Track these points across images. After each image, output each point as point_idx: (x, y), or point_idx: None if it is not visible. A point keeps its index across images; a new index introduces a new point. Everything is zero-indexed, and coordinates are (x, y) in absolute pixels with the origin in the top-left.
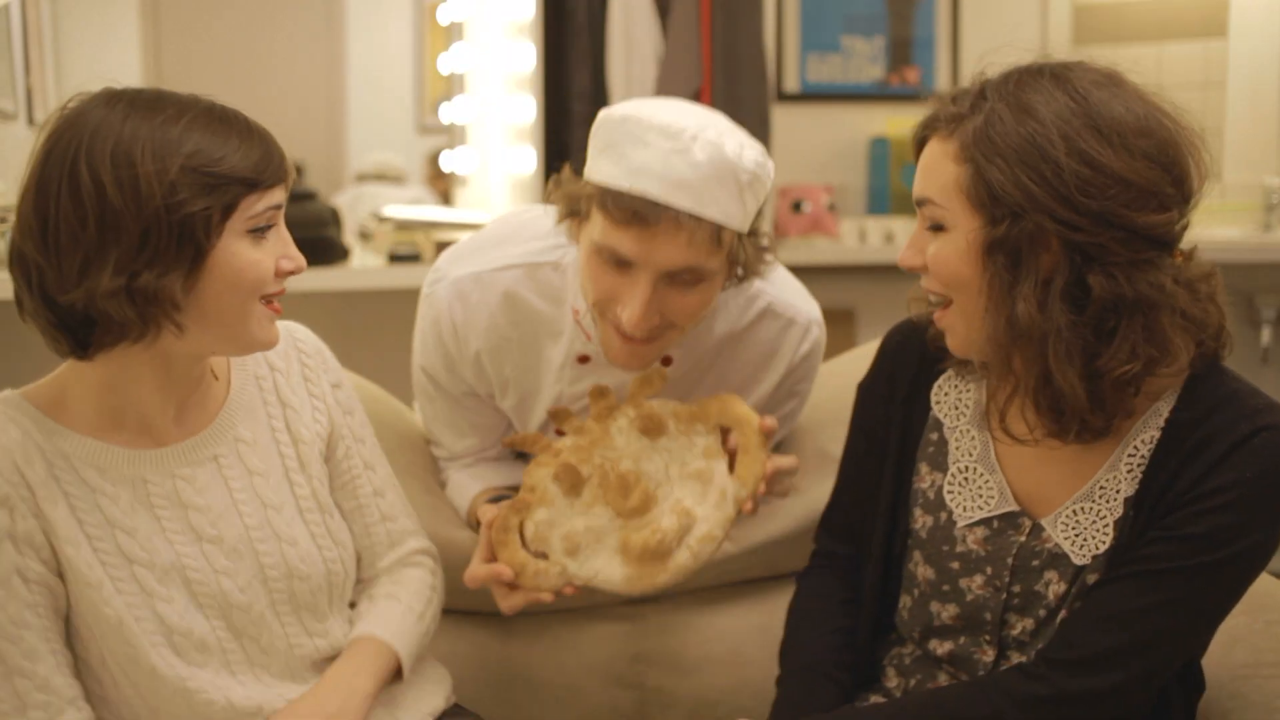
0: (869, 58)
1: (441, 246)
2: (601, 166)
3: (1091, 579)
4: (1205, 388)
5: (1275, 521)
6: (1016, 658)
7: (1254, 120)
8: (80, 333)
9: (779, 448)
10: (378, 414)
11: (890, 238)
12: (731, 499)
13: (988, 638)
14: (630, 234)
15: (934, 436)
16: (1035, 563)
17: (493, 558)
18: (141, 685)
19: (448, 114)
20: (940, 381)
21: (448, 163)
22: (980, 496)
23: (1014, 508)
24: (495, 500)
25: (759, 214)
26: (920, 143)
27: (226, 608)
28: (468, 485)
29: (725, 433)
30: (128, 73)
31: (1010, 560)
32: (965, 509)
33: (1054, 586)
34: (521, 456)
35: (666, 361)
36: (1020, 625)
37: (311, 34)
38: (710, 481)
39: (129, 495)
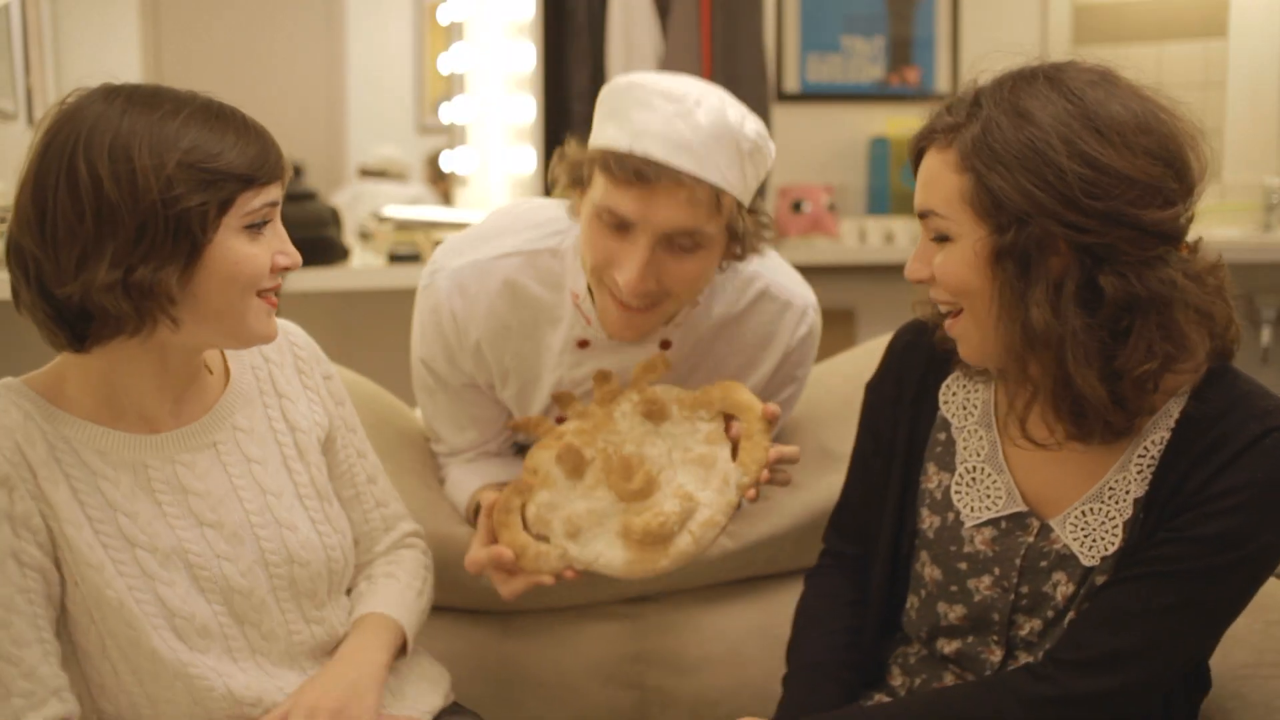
0: (869, 58)
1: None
2: (605, 131)
3: (1100, 580)
4: (1216, 388)
5: None
6: (1024, 658)
7: (1254, 120)
8: (77, 326)
9: (778, 439)
10: (376, 411)
11: (890, 238)
12: (734, 485)
13: (995, 638)
14: (631, 194)
15: (942, 436)
16: (1043, 563)
17: (493, 541)
18: (142, 671)
19: (448, 114)
20: (948, 381)
21: (448, 163)
22: (988, 497)
23: (1022, 508)
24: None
25: (760, 194)
26: (918, 155)
27: (228, 592)
28: (467, 481)
29: (728, 419)
30: (128, 73)
31: (1018, 561)
32: (973, 509)
33: (1062, 588)
34: (522, 453)
35: (665, 345)
36: (1028, 626)
37: (311, 34)
38: (713, 467)
39: (130, 479)
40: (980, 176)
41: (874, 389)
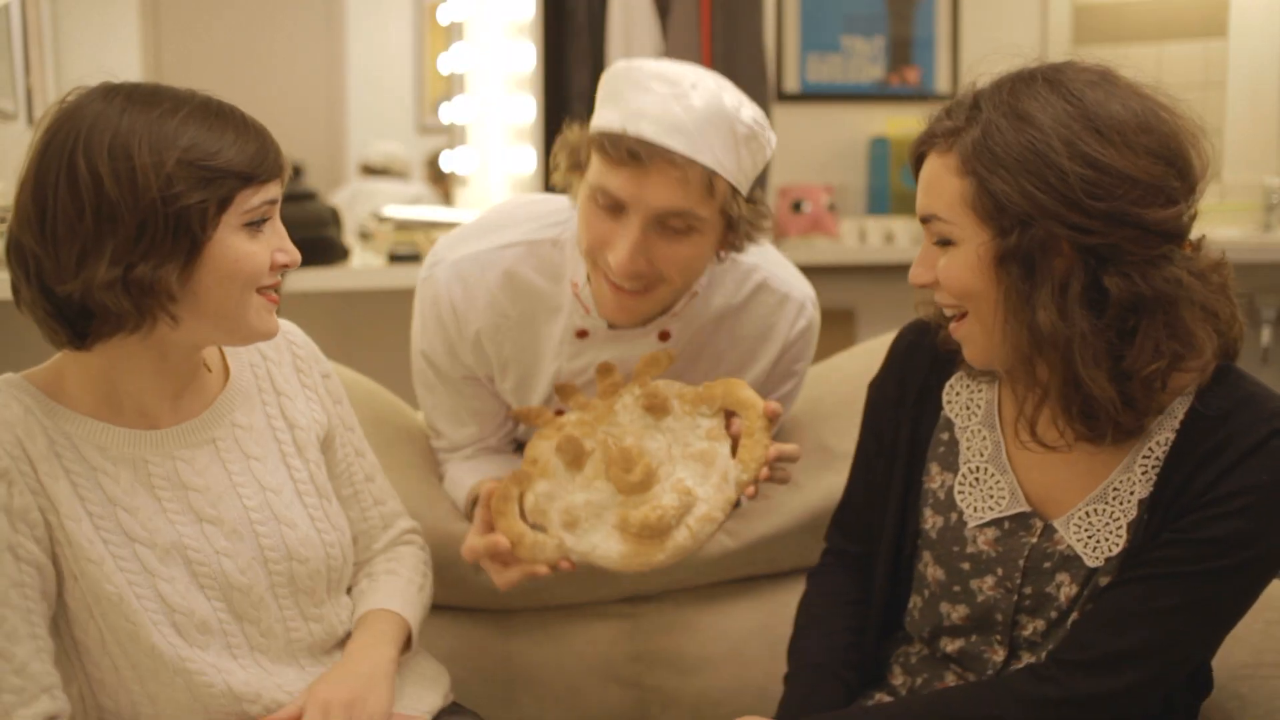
0: (869, 58)
1: None
2: (603, 114)
3: (1104, 581)
4: (1222, 389)
5: None
6: (1027, 658)
7: (1254, 120)
8: (78, 323)
9: (778, 437)
10: (376, 408)
11: (890, 238)
12: (733, 482)
13: (999, 638)
14: (624, 174)
15: (945, 436)
16: (1047, 564)
17: (491, 530)
18: (141, 666)
19: (448, 114)
20: (952, 381)
21: (448, 163)
22: (991, 497)
23: (1025, 508)
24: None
25: (760, 185)
26: (918, 159)
27: (227, 589)
28: (465, 478)
29: (729, 416)
30: (128, 73)
31: (1021, 562)
32: (976, 509)
33: (1065, 588)
34: (521, 450)
35: (664, 336)
36: (1031, 626)
37: (311, 34)
38: (712, 463)
39: (129, 475)
40: (982, 180)
41: (877, 389)
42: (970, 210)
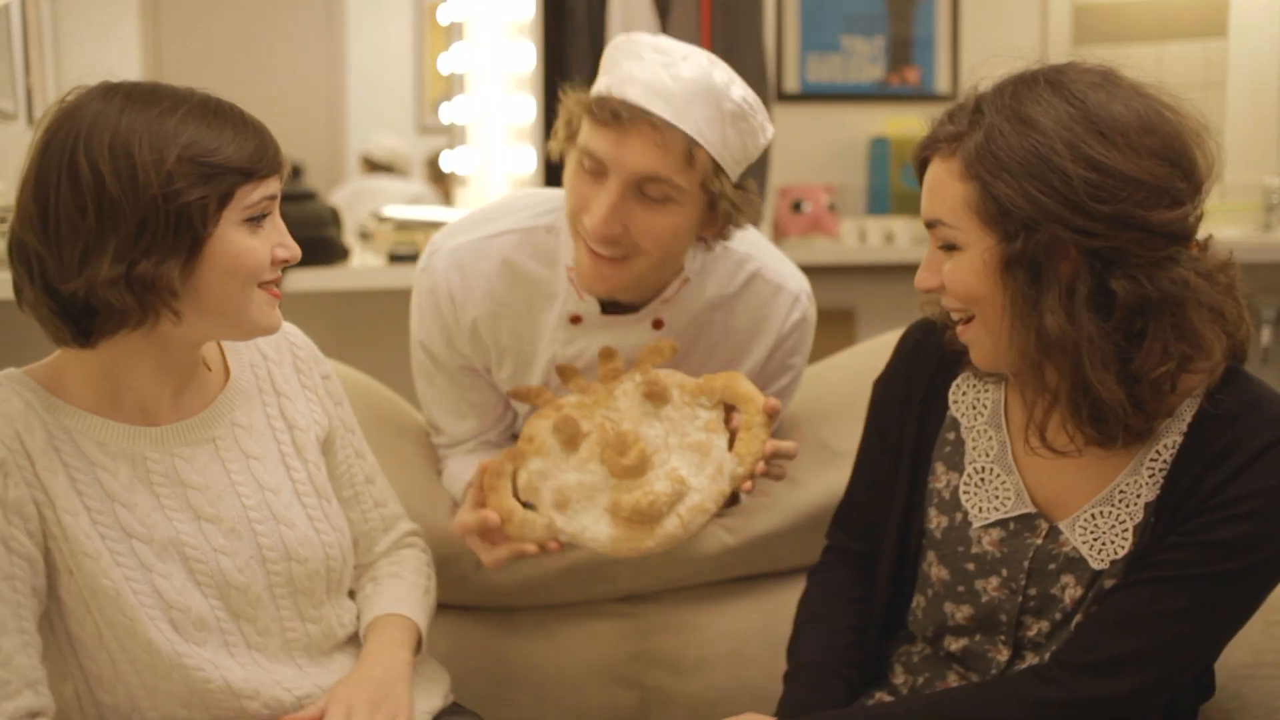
0: (869, 58)
1: None
2: (599, 82)
3: (1109, 584)
4: (1229, 392)
5: None
6: (1032, 658)
7: (1254, 120)
8: (82, 321)
9: (776, 433)
10: (375, 406)
11: (890, 238)
12: (728, 475)
13: (1003, 638)
14: (607, 135)
15: (951, 436)
16: (1052, 566)
17: (483, 505)
18: (139, 661)
19: (448, 114)
20: (958, 381)
21: (448, 163)
22: (996, 497)
23: (1031, 509)
24: None
25: (752, 175)
26: (922, 164)
27: (224, 587)
28: (464, 472)
29: (729, 411)
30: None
31: (1026, 563)
32: (981, 509)
33: (1070, 590)
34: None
35: (657, 324)
36: (1036, 627)
37: (311, 34)
38: (708, 454)
39: (128, 470)
40: (986, 185)
41: (882, 386)
42: (975, 215)
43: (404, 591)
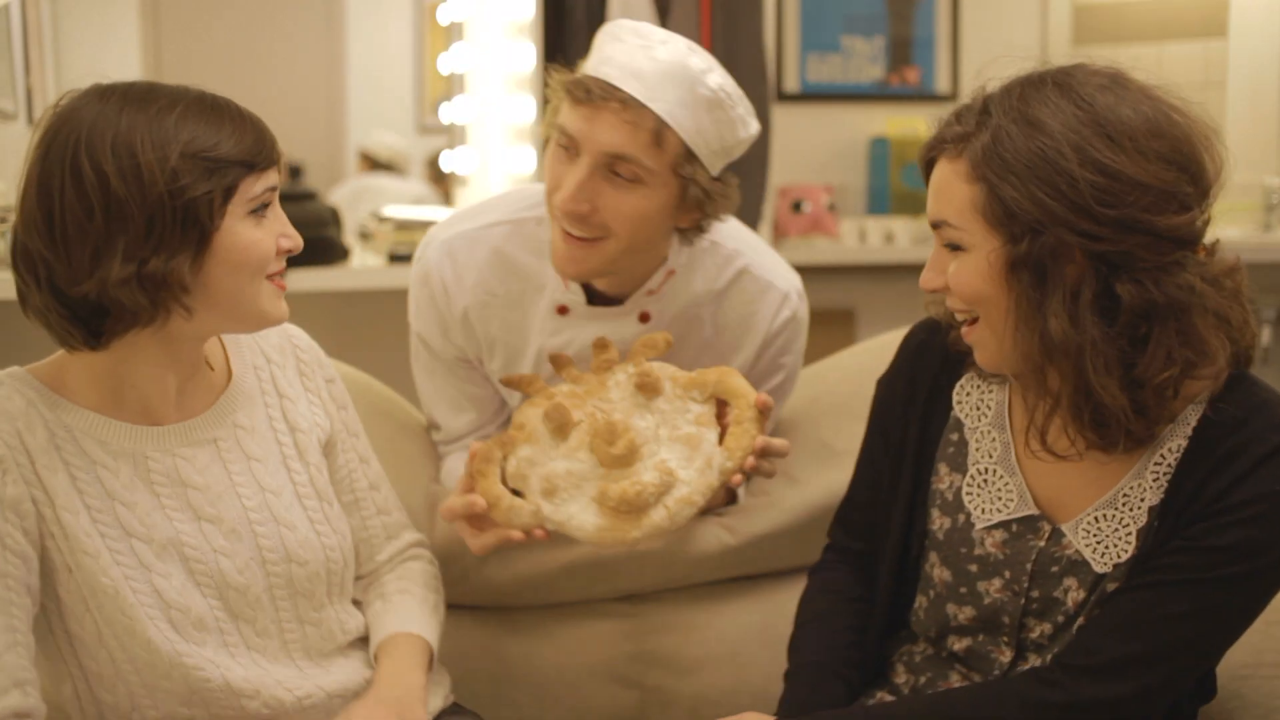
0: (869, 58)
1: None
2: (583, 66)
3: (1111, 588)
4: (1235, 396)
5: None
6: (1034, 659)
7: (1254, 120)
8: (93, 323)
9: (773, 434)
10: (375, 405)
11: (890, 238)
12: (717, 469)
13: (1006, 639)
14: (580, 112)
15: (954, 437)
16: (1054, 569)
17: (472, 490)
18: (138, 660)
19: (448, 114)
20: (962, 381)
21: (448, 163)
22: (999, 499)
23: (1034, 511)
24: None
25: (735, 170)
26: (928, 164)
27: (224, 588)
28: (460, 469)
29: (721, 407)
30: (128, 73)
31: (1029, 565)
32: (984, 511)
33: (1073, 593)
34: None
35: (644, 318)
36: (1039, 629)
37: (311, 34)
38: (698, 448)
39: (129, 470)
40: (992, 187)
41: (886, 386)
42: (980, 217)
43: (414, 608)
